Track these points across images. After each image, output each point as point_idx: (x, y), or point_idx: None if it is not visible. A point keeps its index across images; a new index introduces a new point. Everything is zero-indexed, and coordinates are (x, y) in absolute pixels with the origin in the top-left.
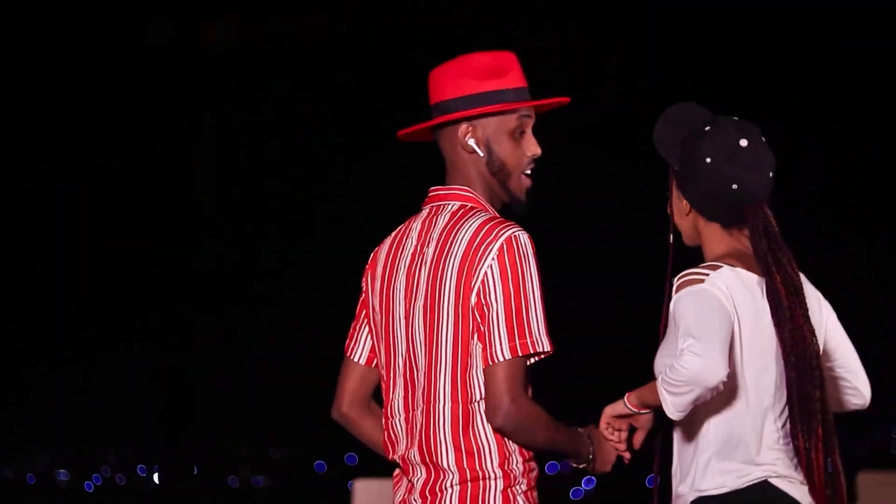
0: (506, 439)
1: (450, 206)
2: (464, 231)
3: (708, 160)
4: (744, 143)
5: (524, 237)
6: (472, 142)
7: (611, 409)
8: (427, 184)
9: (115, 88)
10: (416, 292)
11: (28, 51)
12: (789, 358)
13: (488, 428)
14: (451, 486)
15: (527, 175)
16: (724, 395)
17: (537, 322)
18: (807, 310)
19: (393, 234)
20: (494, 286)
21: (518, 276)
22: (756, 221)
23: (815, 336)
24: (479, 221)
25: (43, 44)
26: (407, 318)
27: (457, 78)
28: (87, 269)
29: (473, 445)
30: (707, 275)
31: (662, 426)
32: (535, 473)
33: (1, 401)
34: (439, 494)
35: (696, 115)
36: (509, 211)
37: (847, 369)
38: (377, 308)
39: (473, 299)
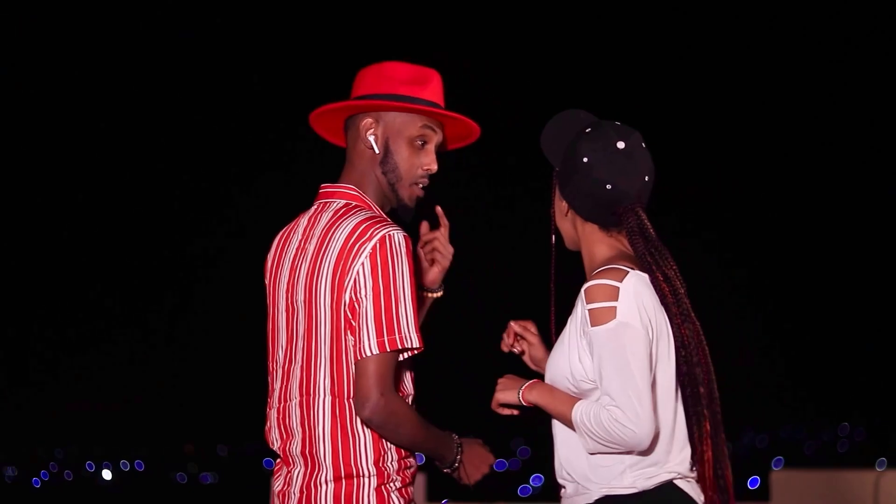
0: (381, 437)
1: (335, 204)
2: (342, 229)
3: (585, 159)
4: (621, 144)
5: (399, 236)
6: (371, 137)
7: (502, 397)
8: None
9: None
10: (297, 287)
11: None
12: (680, 354)
13: (364, 425)
14: (326, 481)
15: (418, 186)
16: (656, 387)
17: (406, 318)
18: (687, 308)
19: (284, 229)
20: (365, 283)
21: (389, 274)
22: (629, 223)
23: (699, 333)
24: (357, 220)
25: None
26: (287, 311)
27: (377, 79)
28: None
29: (350, 441)
30: (617, 295)
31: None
32: (411, 470)
33: None
34: (314, 490)
35: (583, 120)
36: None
37: None
38: (267, 301)
39: (347, 296)
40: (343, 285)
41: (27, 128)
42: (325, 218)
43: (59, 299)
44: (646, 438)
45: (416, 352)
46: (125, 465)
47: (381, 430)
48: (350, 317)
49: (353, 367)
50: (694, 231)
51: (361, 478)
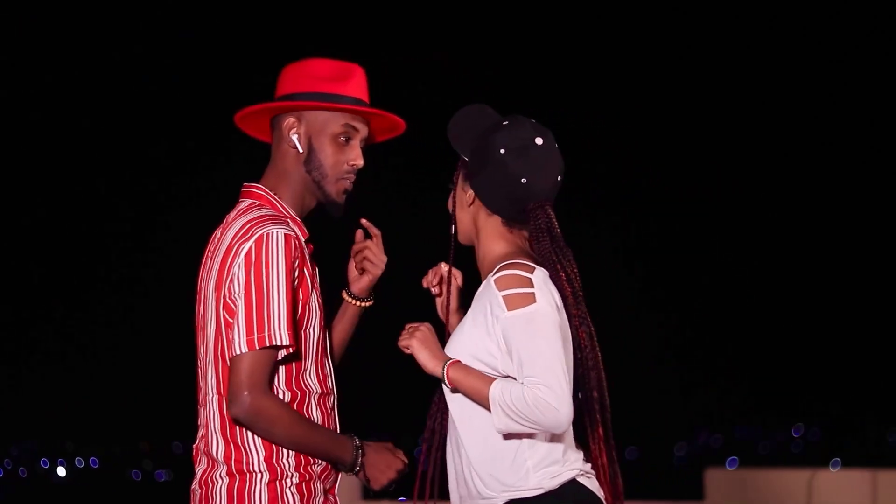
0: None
1: (242, 204)
2: (232, 229)
3: (501, 151)
4: (539, 140)
5: (277, 234)
6: (294, 136)
7: (430, 367)
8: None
9: None
10: (202, 287)
11: None
12: (577, 356)
13: None
14: (221, 477)
15: (344, 182)
16: None
17: (277, 317)
18: (585, 312)
19: (218, 226)
20: (240, 283)
21: (262, 272)
22: (538, 219)
23: (593, 337)
24: (245, 220)
25: None
26: (196, 311)
27: (298, 77)
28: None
29: (239, 439)
30: (532, 284)
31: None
32: (319, 467)
33: None
34: (211, 485)
35: (490, 114)
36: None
37: None
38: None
39: (226, 296)
40: (222, 284)
41: None
42: (231, 216)
43: (7, 294)
44: (565, 420)
45: (289, 350)
46: (80, 462)
47: (252, 430)
48: (227, 316)
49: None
50: (646, 231)
51: (253, 474)
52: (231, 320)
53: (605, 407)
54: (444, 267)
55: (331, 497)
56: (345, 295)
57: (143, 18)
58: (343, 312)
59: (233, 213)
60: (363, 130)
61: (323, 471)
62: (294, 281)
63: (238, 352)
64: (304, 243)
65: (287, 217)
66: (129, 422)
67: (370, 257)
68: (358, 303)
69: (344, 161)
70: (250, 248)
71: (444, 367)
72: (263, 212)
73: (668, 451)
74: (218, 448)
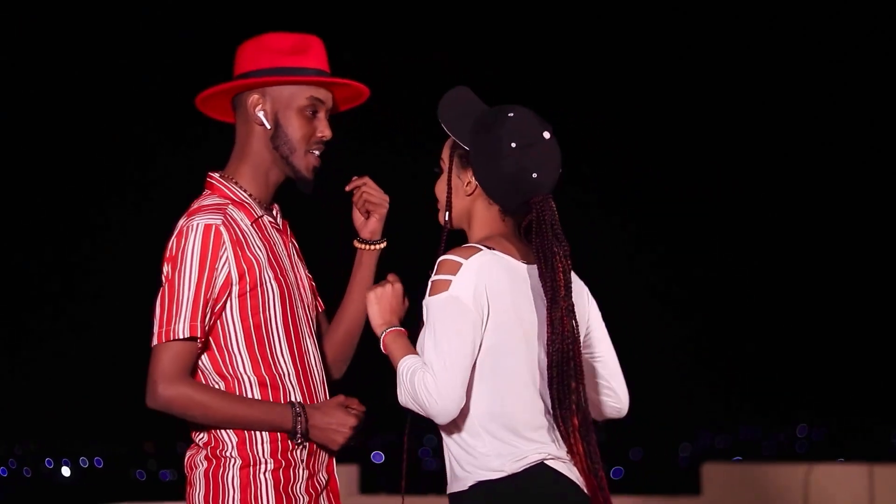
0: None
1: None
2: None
3: (512, 144)
4: (546, 135)
5: (196, 227)
6: (260, 113)
7: (373, 325)
8: None
9: None
10: None
11: None
12: (551, 347)
13: None
14: (200, 462)
15: (314, 154)
16: (492, 377)
17: (183, 310)
18: (572, 304)
19: None
20: (163, 276)
21: (176, 266)
22: (542, 212)
23: (576, 330)
24: (186, 210)
25: None
26: None
27: (257, 53)
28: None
29: (215, 430)
30: (457, 270)
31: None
32: (304, 452)
33: None
34: (193, 469)
35: (474, 99)
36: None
37: (604, 364)
38: None
39: (158, 290)
40: (160, 279)
41: None
42: None
43: (9, 293)
44: (444, 412)
45: (200, 341)
46: (84, 461)
47: (175, 415)
48: None
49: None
50: (651, 232)
51: (227, 459)
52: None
53: (583, 397)
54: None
55: (322, 477)
56: (356, 243)
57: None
58: (359, 261)
59: None
60: (328, 101)
61: (309, 455)
62: (213, 270)
63: (152, 345)
64: (245, 226)
65: (232, 202)
66: (133, 422)
67: (370, 198)
68: (372, 246)
69: (311, 133)
70: (171, 243)
71: (383, 332)
72: (203, 202)
73: (672, 452)
74: (199, 435)
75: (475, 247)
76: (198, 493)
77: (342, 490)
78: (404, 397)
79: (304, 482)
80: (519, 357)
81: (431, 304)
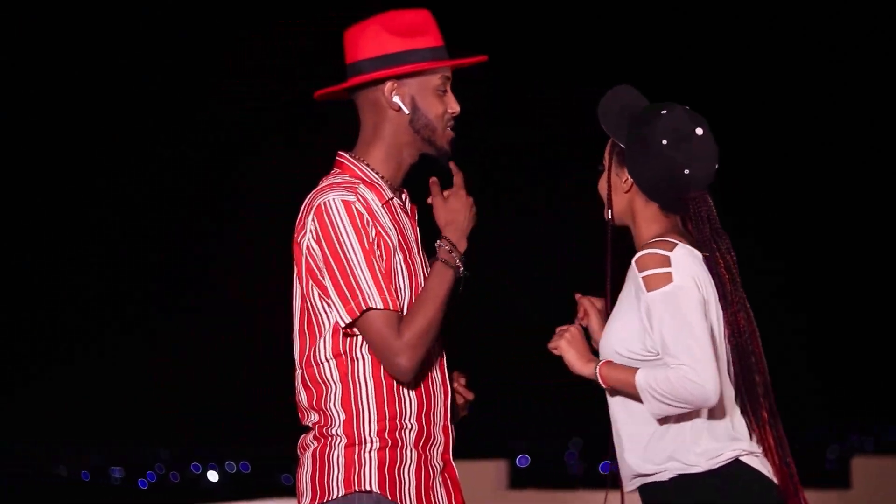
0: (354, 401)
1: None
2: (304, 203)
3: (664, 142)
4: (699, 131)
5: (335, 202)
6: (397, 99)
7: (577, 368)
8: None
9: None
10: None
11: None
12: (733, 342)
13: (334, 390)
14: (310, 442)
15: (449, 128)
16: None
17: (365, 281)
18: (744, 296)
19: None
20: (317, 257)
21: (333, 242)
22: (699, 208)
23: (750, 321)
24: (314, 190)
25: None
26: None
27: (376, 36)
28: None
29: (324, 405)
30: (669, 263)
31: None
32: (413, 433)
33: (53, 398)
34: (304, 450)
35: (636, 97)
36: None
37: None
38: None
39: (304, 265)
40: (300, 258)
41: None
42: None
43: (153, 300)
44: (713, 395)
45: (387, 310)
46: (231, 466)
47: (422, 363)
48: (319, 290)
49: (324, 337)
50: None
51: (333, 437)
52: (324, 296)
53: (769, 391)
54: (580, 299)
55: (436, 463)
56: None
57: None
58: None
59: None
60: (451, 76)
61: (418, 436)
62: (371, 241)
63: (344, 323)
64: (376, 206)
65: (362, 181)
66: (279, 426)
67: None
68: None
69: (445, 111)
70: (313, 220)
71: (595, 368)
72: (333, 180)
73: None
74: (308, 417)
75: (668, 241)
76: (305, 473)
77: (491, 485)
78: (658, 406)
79: (414, 464)
80: (720, 347)
81: (657, 299)
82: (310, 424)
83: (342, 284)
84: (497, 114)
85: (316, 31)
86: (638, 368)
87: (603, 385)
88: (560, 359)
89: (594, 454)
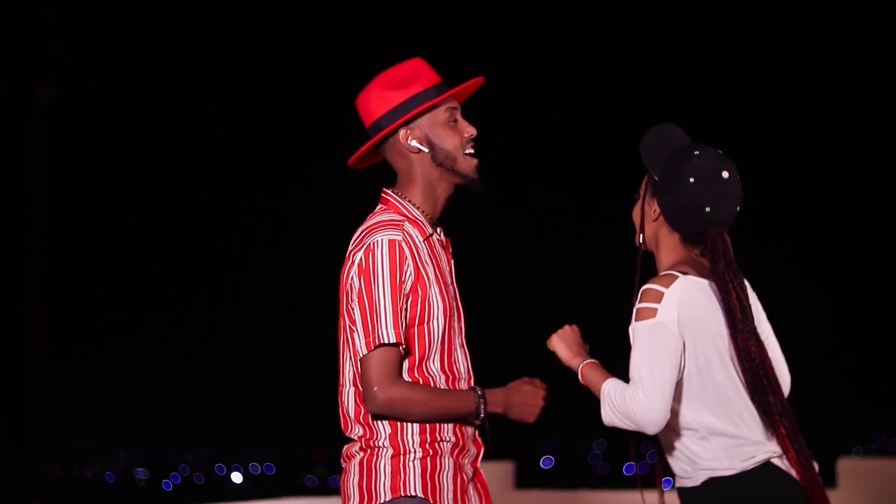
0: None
1: (377, 209)
2: (354, 236)
3: (691, 180)
4: (725, 174)
5: (382, 243)
6: (414, 143)
7: (562, 353)
8: None
9: None
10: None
11: None
12: (745, 366)
13: None
14: (356, 452)
15: (471, 154)
16: (702, 392)
17: (384, 318)
18: (754, 327)
19: None
20: (354, 290)
21: (370, 280)
22: (716, 244)
23: (761, 349)
24: (364, 227)
25: None
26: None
27: (379, 95)
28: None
29: (371, 420)
30: (661, 299)
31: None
32: (449, 444)
33: (79, 401)
34: (349, 459)
35: (678, 135)
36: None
37: (772, 352)
38: None
39: (346, 300)
40: (344, 288)
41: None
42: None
43: (182, 305)
44: (654, 423)
45: (402, 346)
46: (255, 468)
47: (392, 418)
48: (349, 320)
49: (353, 360)
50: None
51: (380, 449)
52: (352, 324)
53: (787, 409)
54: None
55: (468, 470)
56: None
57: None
58: None
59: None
60: (457, 105)
61: (454, 447)
62: (402, 282)
63: (361, 353)
64: (419, 242)
65: (407, 219)
66: (302, 428)
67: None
68: None
69: (461, 137)
70: (360, 257)
71: (580, 364)
72: (382, 217)
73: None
74: (353, 429)
75: (672, 274)
76: (352, 479)
77: (498, 485)
78: (610, 415)
79: (451, 471)
80: (719, 371)
81: (638, 329)
82: (354, 437)
83: (368, 319)
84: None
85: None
86: (611, 378)
87: (581, 381)
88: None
89: (619, 455)
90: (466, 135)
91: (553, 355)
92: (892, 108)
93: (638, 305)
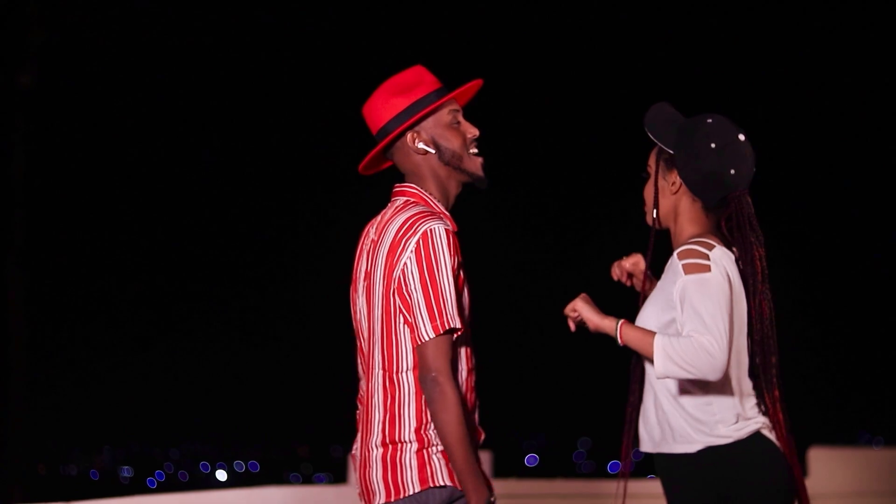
0: (424, 408)
1: (398, 201)
2: (394, 224)
3: (713, 145)
4: (741, 137)
5: (440, 230)
6: (421, 144)
7: (596, 321)
8: None
9: None
10: (365, 274)
11: None
12: (754, 327)
13: (408, 397)
14: (377, 446)
15: (475, 154)
16: (737, 350)
17: (450, 304)
18: (769, 288)
19: (368, 223)
20: (413, 275)
21: (433, 265)
22: (741, 206)
23: (773, 311)
24: (408, 215)
25: None
26: (362, 295)
27: (385, 102)
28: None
29: (398, 410)
30: (708, 258)
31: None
32: None
33: (66, 398)
34: (369, 452)
35: (674, 111)
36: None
37: None
38: (351, 285)
39: (395, 284)
40: (392, 274)
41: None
42: (388, 213)
43: (168, 302)
44: (721, 369)
45: (459, 333)
46: (240, 465)
47: (431, 404)
48: (400, 303)
49: (406, 347)
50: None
51: (404, 443)
52: (406, 309)
53: (781, 372)
54: (625, 261)
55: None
56: None
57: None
58: None
59: (389, 211)
60: (459, 107)
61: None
62: (458, 271)
63: (425, 338)
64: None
65: (440, 212)
66: (287, 427)
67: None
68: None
69: (463, 137)
70: (418, 242)
71: (617, 325)
72: (420, 208)
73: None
74: (377, 417)
75: (708, 241)
76: (375, 473)
77: None
78: (670, 366)
79: None
80: (740, 338)
81: (693, 281)
82: (376, 425)
83: (433, 303)
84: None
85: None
86: (656, 333)
87: (620, 341)
88: (563, 358)
89: (603, 453)
90: (470, 135)
91: (551, 351)
92: (865, 102)
93: (686, 261)
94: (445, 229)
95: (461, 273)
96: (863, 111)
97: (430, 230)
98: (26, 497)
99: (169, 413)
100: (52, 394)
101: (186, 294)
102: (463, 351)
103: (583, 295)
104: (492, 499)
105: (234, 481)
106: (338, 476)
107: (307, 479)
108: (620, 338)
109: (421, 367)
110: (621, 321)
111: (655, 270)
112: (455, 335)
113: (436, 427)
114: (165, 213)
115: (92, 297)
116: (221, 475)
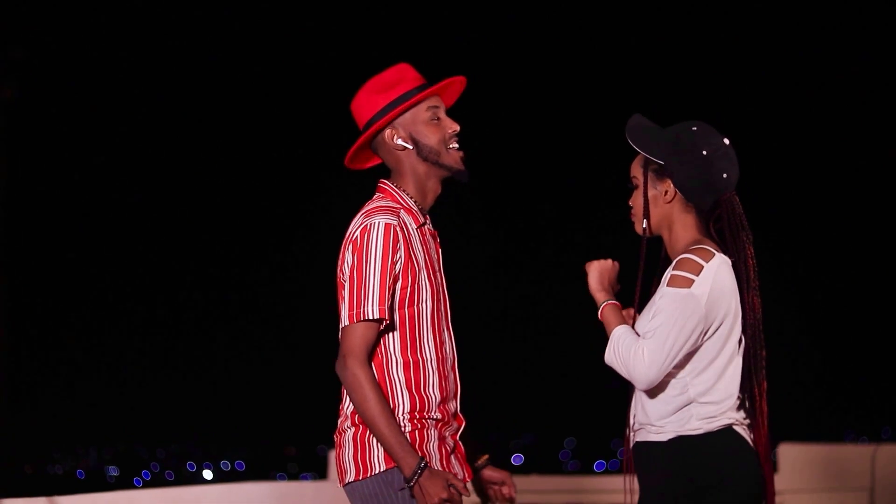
0: (390, 396)
1: (375, 196)
2: (354, 219)
3: (704, 152)
4: (727, 142)
5: (378, 224)
6: (399, 140)
7: (592, 288)
8: None
9: None
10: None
11: None
12: (749, 321)
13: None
14: (348, 427)
15: (455, 148)
16: (708, 354)
17: (371, 295)
18: (758, 284)
19: None
20: (348, 266)
21: (363, 257)
22: (733, 207)
23: (762, 307)
24: (361, 212)
25: None
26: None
27: (368, 99)
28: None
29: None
30: (700, 272)
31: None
32: (434, 420)
33: (51, 399)
34: (342, 434)
35: (650, 122)
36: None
37: None
38: None
39: (340, 277)
40: (340, 267)
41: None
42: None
43: (152, 301)
44: (648, 380)
45: (384, 323)
46: (226, 465)
47: (343, 386)
48: (340, 293)
49: None
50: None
51: (365, 425)
52: (340, 300)
53: (767, 366)
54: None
55: (450, 442)
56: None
57: None
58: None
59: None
60: (441, 103)
61: (438, 422)
62: (393, 263)
63: (343, 324)
64: (412, 229)
65: (402, 207)
66: (274, 426)
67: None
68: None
69: (443, 134)
70: (356, 236)
71: (604, 301)
72: (379, 203)
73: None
74: (347, 405)
75: (709, 250)
76: (347, 453)
77: None
78: (611, 357)
79: (436, 442)
80: (729, 340)
81: (670, 294)
82: (347, 412)
83: (354, 294)
84: None
85: None
86: (626, 325)
87: (599, 316)
88: (550, 359)
89: (588, 453)
90: (450, 131)
91: (538, 352)
92: (859, 105)
93: (675, 272)
94: (386, 223)
95: (416, 264)
96: (863, 111)
97: (371, 224)
98: (10, 495)
99: (155, 413)
100: (38, 394)
101: (172, 295)
102: (397, 339)
103: (607, 262)
104: (421, 464)
105: (221, 480)
106: (322, 475)
107: (293, 479)
108: (600, 314)
109: (340, 351)
110: (610, 301)
111: (647, 277)
112: (380, 325)
113: (358, 413)
114: (146, 216)
115: (79, 298)
116: (208, 475)
